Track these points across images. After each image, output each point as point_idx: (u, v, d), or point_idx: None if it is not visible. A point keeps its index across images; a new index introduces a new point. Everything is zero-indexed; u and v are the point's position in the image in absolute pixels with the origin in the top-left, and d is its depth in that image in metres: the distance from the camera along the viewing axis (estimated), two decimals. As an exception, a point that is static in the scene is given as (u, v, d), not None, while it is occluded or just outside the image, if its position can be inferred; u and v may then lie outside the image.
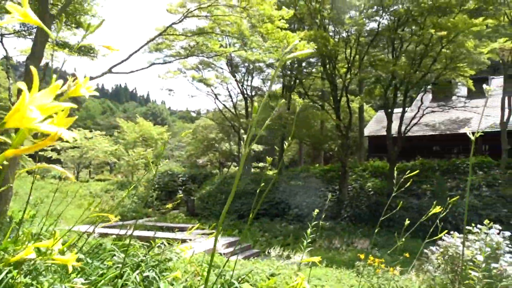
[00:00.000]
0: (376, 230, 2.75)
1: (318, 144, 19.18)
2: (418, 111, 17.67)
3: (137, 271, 2.62)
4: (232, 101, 24.41)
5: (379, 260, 8.95)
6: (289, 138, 2.50)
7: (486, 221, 6.72)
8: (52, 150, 25.26)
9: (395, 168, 2.80)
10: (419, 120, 17.83)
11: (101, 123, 62.58)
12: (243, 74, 23.18)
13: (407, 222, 2.35)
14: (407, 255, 9.38)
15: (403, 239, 2.28)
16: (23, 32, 11.78)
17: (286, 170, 23.58)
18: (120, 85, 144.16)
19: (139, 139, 28.14)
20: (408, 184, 2.30)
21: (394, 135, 18.49)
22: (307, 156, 30.71)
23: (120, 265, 2.66)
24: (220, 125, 26.98)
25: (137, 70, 10.11)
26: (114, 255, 2.84)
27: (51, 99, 0.54)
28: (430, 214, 1.94)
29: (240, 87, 22.91)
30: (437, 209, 1.93)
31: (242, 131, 22.47)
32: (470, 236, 7.90)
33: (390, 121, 18.11)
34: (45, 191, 17.75)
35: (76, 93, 0.85)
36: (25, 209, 2.53)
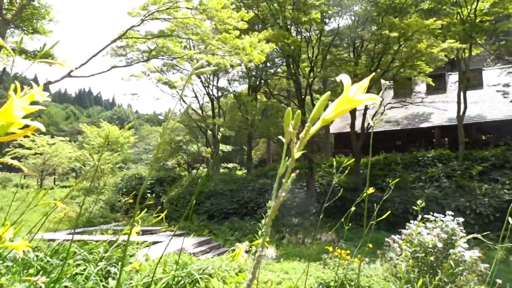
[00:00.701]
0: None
1: (285, 142, 19.45)
2: (380, 107, 18.23)
3: (99, 267, 2.70)
4: (198, 102, 24.38)
5: (345, 251, 9.27)
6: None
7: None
8: (12, 158, 24.26)
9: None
10: (381, 116, 18.44)
11: (65, 129, 60.89)
12: (208, 75, 23.22)
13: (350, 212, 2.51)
14: (370, 245, 9.74)
15: (369, 232, 2.40)
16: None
17: (255, 169, 23.78)
18: (84, 89, 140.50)
19: (105, 143, 27.64)
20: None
21: (357, 132, 19.03)
22: (275, 155, 31.04)
23: (81, 262, 2.72)
24: (187, 127, 26.90)
25: (97, 74, 10.03)
26: (75, 252, 2.90)
27: (28, 103, 0.80)
28: (363, 196, 2.09)
29: (206, 89, 22.95)
30: (371, 190, 2.10)
31: (209, 132, 22.50)
32: (429, 224, 8.34)
33: (353, 118, 18.63)
34: (7, 200, 17.19)
35: (32, 98, 1.01)
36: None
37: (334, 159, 22.10)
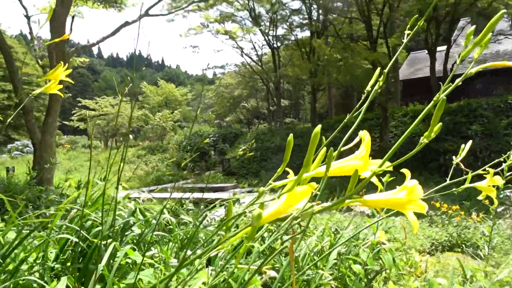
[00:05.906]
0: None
1: (352, 89, 18.00)
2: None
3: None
4: (257, 54, 23.15)
5: (455, 207, 8.08)
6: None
7: None
8: (78, 120, 24.75)
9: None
10: (467, 54, 16.35)
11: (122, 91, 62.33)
12: (267, 25, 21.77)
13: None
14: (487, 202, 8.24)
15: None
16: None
17: (319, 122, 22.55)
18: (134, 52, 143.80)
19: (163, 102, 27.41)
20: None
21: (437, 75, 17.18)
22: (336, 109, 29.48)
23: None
24: (243, 82, 25.91)
25: (175, 10, 9.23)
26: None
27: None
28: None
29: (266, 37, 21.55)
30: None
31: (271, 84, 21.37)
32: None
33: (433, 59, 16.71)
34: (79, 160, 17.30)
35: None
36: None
37: (408, 107, 20.38)
